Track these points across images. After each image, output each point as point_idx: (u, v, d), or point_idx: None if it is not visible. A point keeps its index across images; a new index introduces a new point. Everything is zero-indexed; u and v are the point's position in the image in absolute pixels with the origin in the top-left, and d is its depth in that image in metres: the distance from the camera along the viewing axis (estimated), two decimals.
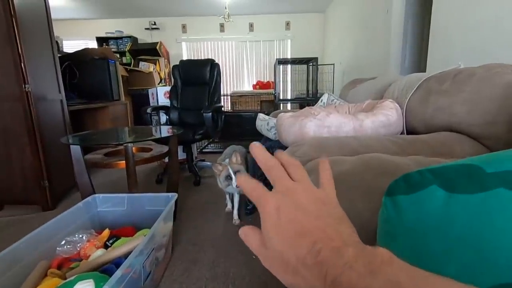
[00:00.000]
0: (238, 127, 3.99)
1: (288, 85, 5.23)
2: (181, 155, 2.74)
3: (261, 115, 1.90)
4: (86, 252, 1.08)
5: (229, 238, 1.53)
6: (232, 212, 1.74)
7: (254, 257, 1.36)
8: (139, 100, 4.62)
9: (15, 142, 1.85)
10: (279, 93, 4.74)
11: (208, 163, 2.83)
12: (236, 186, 1.49)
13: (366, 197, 0.53)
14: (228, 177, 1.53)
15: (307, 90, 4.55)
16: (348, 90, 2.14)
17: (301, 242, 0.21)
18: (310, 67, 4.37)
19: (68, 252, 1.06)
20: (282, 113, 1.30)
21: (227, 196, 1.87)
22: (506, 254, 0.24)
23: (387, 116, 1.10)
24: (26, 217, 1.86)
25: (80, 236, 1.10)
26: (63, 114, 2.16)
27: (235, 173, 1.52)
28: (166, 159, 2.88)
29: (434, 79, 1.10)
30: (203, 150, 3.68)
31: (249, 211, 1.37)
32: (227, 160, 1.63)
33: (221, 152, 3.63)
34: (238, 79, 5.92)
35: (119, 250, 1.02)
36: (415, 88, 1.17)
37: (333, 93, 3.17)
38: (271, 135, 1.70)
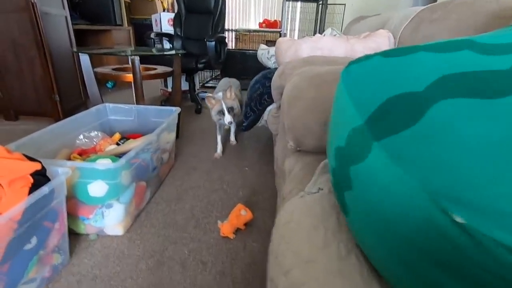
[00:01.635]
0: (241, 65, 3.99)
1: (296, 25, 5.04)
2: (184, 86, 2.82)
3: (262, 45, 1.95)
4: (102, 147, 1.26)
5: (226, 154, 1.72)
6: (221, 147, 1.71)
7: (246, 168, 1.56)
8: (142, 30, 4.49)
9: (25, 55, 1.93)
10: (285, 33, 4.61)
11: (210, 95, 2.93)
12: (228, 123, 1.50)
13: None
14: (221, 113, 1.50)
15: (315, 32, 4.42)
16: (351, 26, 2.13)
17: None
18: (320, 7, 4.18)
19: (86, 145, 1.23)
20: (282, 37, 1.36)
21: (218, 138, 1.72)
22: None
23: (377, 44, 1.17)
24: (41, 127, 2.03)
25: (96, 133, 1.26)
26: (68, 31, 2.19)
27: (228, 109, 1.49)
28: (169, 89, 2.98)
29: (428, 9, 1.15)
30: (205, 85, 3.75)
31: (244, 128, 1.51)
32: (220, 94, 1.59)
33: None
34: (244, 16, 5.67)
35: (131, 144, 1.18)
36: (410, 19, 1.22)
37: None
38: (270, 63, 1.77)
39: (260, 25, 5.31)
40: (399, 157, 0.31)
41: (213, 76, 4.12)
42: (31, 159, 0.77)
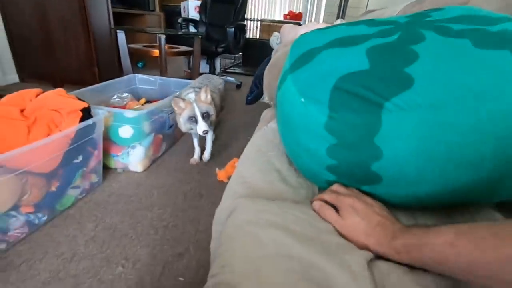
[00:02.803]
0: (261, 53, 4.19)
1: (320, 18, 5.15)
2: (205, 69, 3.09)
3: (275, 33, 2.15)
4: (130, 106, 1.55)
5: (233, 126, 1.97)
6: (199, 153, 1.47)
7: (248, 138, 1.80)
8: (172, 15, 4.83)
9: (72, 31, 2.27)
10: None
11: (229, 78, 3.17)
12: (203, 132, 1.16)
13: None
14: (192, 119, 1.16)
15: None
16: (361, 18, 2.29)
17: (373, 218, 0.35)
18: (343, 0, 4.27)
19: (118, 103, 1.52)
20: (286, 24, 1.58)
21: (195, 141, 1.45)
22: None
23: None
24: None
25: (127, 94, 1.55)
26: (108, 13, 2.50)
27: (202, 115, 1.16)
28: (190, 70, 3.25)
29: (411, 3, 1.31)
30: (227, 70, 4.00)
31: (249, 101, 1.73)
32: (191, 95, 1.25)
33: (243, 75, 3.94)
34: (269, 6, 5.84)
35: (153, 104, 1.46)
36: (397, 12, 1.39)
37: None
38: None
39: (285, 16, 5.47)
40: (296, 80, 0.53)
41: (235, 63, 4.36)
42: (81, 100, 1.05)
